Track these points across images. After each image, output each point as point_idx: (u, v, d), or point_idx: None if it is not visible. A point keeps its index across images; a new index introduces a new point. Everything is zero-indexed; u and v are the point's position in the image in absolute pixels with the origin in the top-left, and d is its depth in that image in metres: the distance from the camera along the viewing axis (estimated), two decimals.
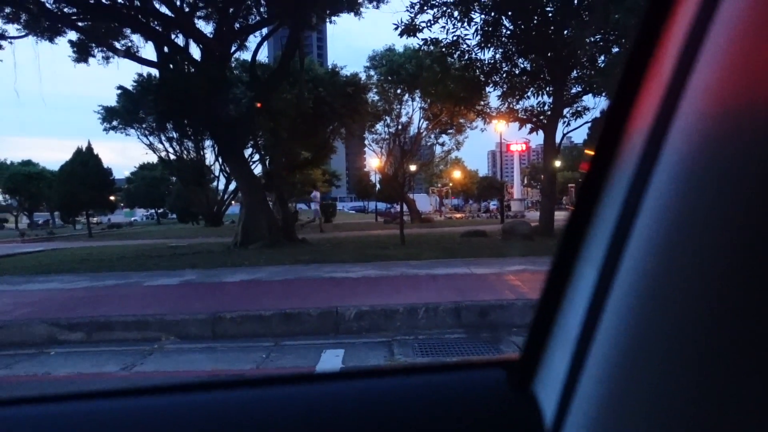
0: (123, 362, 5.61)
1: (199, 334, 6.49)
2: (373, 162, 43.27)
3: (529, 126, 18.58)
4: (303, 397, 0.80)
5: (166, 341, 6.32)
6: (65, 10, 17.05)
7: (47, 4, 16.30)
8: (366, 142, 40.82)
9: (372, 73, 33.12)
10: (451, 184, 68.27)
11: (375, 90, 33.24)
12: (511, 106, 18.84)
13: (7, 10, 16.46)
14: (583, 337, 0.65)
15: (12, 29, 17.24)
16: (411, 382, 0.84)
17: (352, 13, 18.05)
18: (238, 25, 19.04)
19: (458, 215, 55.58)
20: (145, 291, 9.05)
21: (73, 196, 35.71)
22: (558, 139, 18.02)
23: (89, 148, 37.84)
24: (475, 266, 10.20)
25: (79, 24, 17.80)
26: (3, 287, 10.04)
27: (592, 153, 0.70)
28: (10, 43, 17.44)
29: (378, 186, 53.64)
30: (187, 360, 5.67)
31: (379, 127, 37.82)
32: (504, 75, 17.74)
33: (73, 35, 18.58)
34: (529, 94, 17.87)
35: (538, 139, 57.06)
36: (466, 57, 17.18)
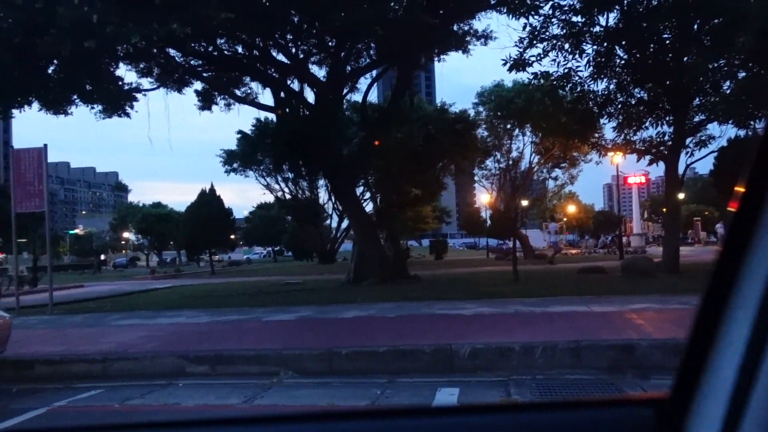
0: (244, 395, 5.79)
1: (316, 369, 6.58)
2: (484, 198, 42.92)
3: (648, 157, 17.75)
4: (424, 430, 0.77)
5: (284, 376, 6.47)
6: (192, 62, 18.37)
7: (176, 59, 17.62)
8: (476, 177, 40.61)
9: (481, 108, 33.08)
10: (565, 219, 66.29)
11: (484, 126, 33.11)
12: (627, 137, 18.10)
13: (142, 65, 17.90)
14: (741, 382, 0.62)
15: (146, 82, 18.75)
16: (551, 417, 0.81)
17: (460, 51, 18.20)
18: (349, 68, 19.71)
19: (573, 251, 53.72)
20: (263, 326, 9.36)
21: (197, 236, 37.81)
22: (681, 171, 17.08)
23: (212, 190, 40.06)
24: (594, 304, 9.76)
25: (204, 75, 19.09)
26: (136, 321, 10.73)
27: (742, 190, 0.65)
28: (144, 95, 18.96)
29: (489, 222, 53.01)
30: (304, 395, 5.76)
31: (489, 162, 37.55)
32: (619, 106, 17.11)
33: (198, 85, 19.92)
34: (647, 124, 17.11)
35: (658, 170, 54.37)
36: (578, 89, 16.77)
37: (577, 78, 16.52)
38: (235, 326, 9.43)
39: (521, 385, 5.70)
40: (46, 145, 13.19)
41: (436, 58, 20.08)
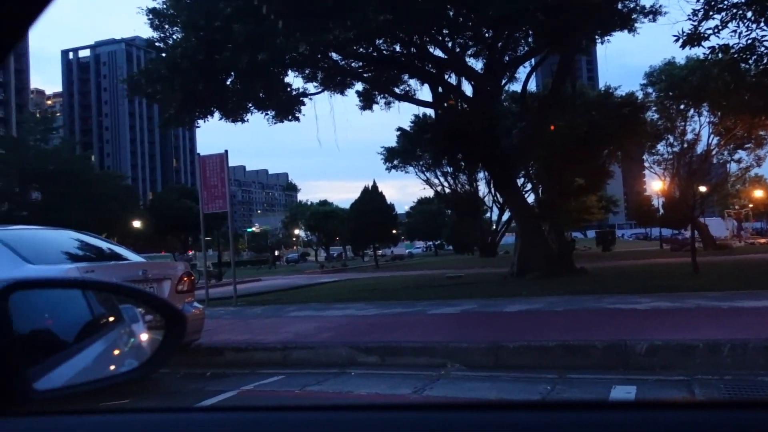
0: (414, 386, 5.93)
1: (482, 363, 6.58)
2: (655, 185, 40.19)
3: None
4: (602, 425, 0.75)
5: (452, 368, 6.53)
6: (353, 64, 19.09)
7: (339, 62, 18.41)
8: (645, 164, 38.18)
9: (650, 90, 31.05)
10: (751, 206, 60.26)
11: (654, 108, 31.03)
12: None
13: (307, 71, 18.90)
14: None
15: (311, 87, 19.78)
16: (743, 417, 0.74)
17: (626, 31, 17.20)
18: (506, 58, 19.39)
19: (762, 240, 48.67)
20: (428, 319, 9.52)
21: (361, 231, 39.35)
22: None
23: (374, 187, 41.43)
24: None
25: (365, 75, 19.76)
26: (310, 313, 11.39)
27: None
28: (310, 99, 20.03)
29: (661, 210, 49.58)
30: (472, 387, 5.78)
31: (660, 147, 35.14)
32: None
33: (359, 86, 20.67)
34: None
35: None
36: (765, 61, 15.13)
37: (763, 49, 14.92)
38: (402, 318, 9.68)
39: (707, 385, 5.28)
40: (226, 151, 14.38)
41: (599, 40, 19.14)
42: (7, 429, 0.86)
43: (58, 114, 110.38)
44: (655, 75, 31.01)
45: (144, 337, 1.58)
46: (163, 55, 15.65)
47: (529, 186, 30.03)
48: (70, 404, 1.04)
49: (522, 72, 20.56)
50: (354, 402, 5.43)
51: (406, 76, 20.83)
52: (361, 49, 17.88)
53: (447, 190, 41.05)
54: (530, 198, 26.54)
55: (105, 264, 6.75)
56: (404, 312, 10.43)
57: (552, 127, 17.83)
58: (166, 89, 14.33)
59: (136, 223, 52.88)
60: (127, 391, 1.10)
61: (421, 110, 27.76)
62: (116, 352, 1.57)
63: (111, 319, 1.55)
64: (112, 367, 1.56)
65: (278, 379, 6.70)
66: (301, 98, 18.27)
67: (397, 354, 7.03)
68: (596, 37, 18.49)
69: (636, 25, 17.03)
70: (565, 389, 5.48)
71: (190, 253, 61.99)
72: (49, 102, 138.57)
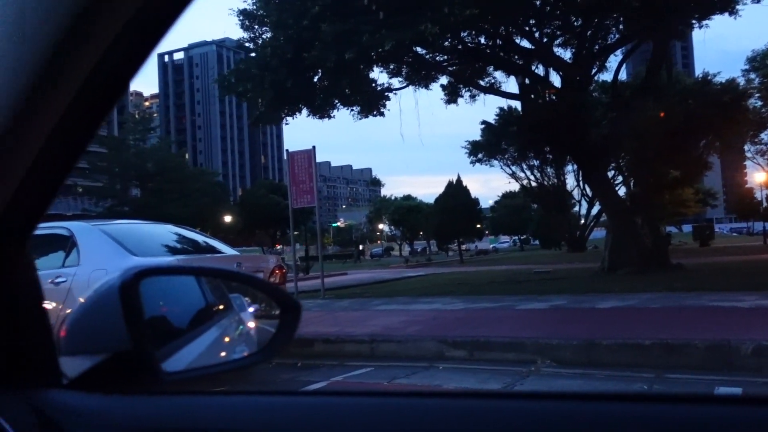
0: (503, 381, 5.87)
1: (574, 360, 6.42)
2: (758, 177, 37.86)
3: None
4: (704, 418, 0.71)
5: (542, 364, 6.41)
6: (437, 58, 19.01)
7: (424, 56, 18.37)
8: (747, 154, 36.02)
9: (752, 75, 29.22)
10: None
11: (758, 95, 29.19)
12: None
13: (392, 66, 18.96)
14: None
15: (396, 82, 19.85)
16: None
17: (726, 14, 16.23)
18: (596, 47, 18.76)
19: None
20: (517, 314, 9.38)
21: (446, 226, 39.19)
22: None
23: (458, 181, 41.17)
24: None
25: (449, 69, 19.63)
26: (396, 306, 11.47)
27: None
28: (395, 94, 20.11)
29: (765, 203, 46.68)
30: (563, 385, 5.66)
31: (763, 136, 33.06)
32: None
33: (444, 80, 20.55)
34: None
35: None
36: None
37: None
38: (489, 313, 9.58)
39: None
40: (314, 147, 14.67)
41: (696, 25, 18.18)
42: (142, 406, 0.92)
43: (155, 114, 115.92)
44: (759, 60, 29.19)
45: (251, 325, 1.63)
46: (253, 54, 16.14)
47: (619, 179, 28.97)
48: (187, 387, 1.10)
49: (613, 61, 19.86)
50: (457, 390, 5.44)
51: (491, 68, 20.53)
52: (446, 43, 17.77)
53: (533, 184, 40.22)
54: (621, 191, 25.59)
55: (201, 257, 7.03)
56: (492, 307, 10.33)
57: (648, 117, 17.11)
58: (256, 88, 14.78)
59: (227, 218, 54.91)
60: (224, 379, 1.16)
61: (506, 103, 27.42)
62: (227, 339, 1.64)
63: (221, 307, 1.62)
64: (223, 354, 1.63)
65: (367, 371, 6.80)
66: (386, 93, 18.38)
67: (486, 349, 6.97)
68: (693, 21, 17.57)
69: (738, 7, 16.05)
70: (663, 389, 5.27)
71: (278, 247, 63.77)
72: (147, 103, 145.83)
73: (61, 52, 0.65)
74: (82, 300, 1.05)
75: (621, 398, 0.79)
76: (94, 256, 5.97)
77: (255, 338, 1.63)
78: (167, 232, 7.54)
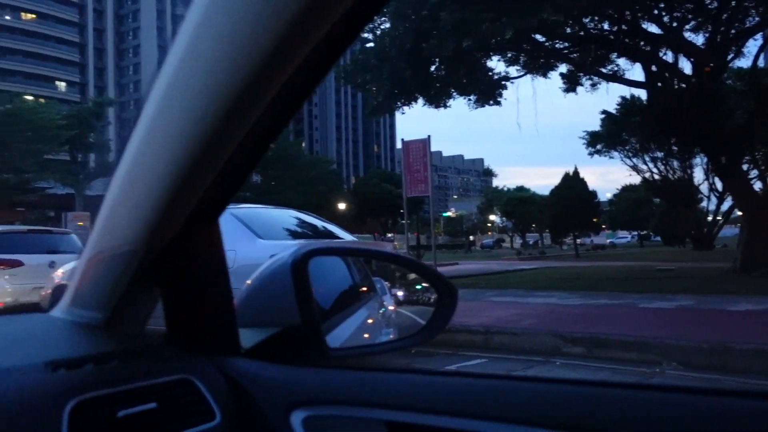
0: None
1: (702, 364, 6.08)
2: None
3: None
4: None
5: (667, 366, 6.13)
6: (557, 46, 18.45)
7: (543, 44, 17.89)
8: None
9: None
10: None
11: None
12: None
13: (509, 54, 18.62)
14: None
15: (513, 71, 19.48)
16: None
17: None
18: (733, 31, 17.46)
19: None
20: (639, 312, 9.00)
21: (561, 219, 38.14)
22: None
23: (575, 173, 39.90)
24: None
25: (570, 56, 19.00)
26: (509, 299, 11.33)
27: None
28: (512, 83, 19.73)
29: None
30: None
31: None
32: None
33: (563, 68, 19.93)
34: None
35: None
36: None
37: None
38: (609, 311, 9.25)
39: None
40: (429, 137, 14.73)
41: None
42: (314, 378, 0.99)
43: None
44: None
45: (391, 308, 1.68)
46: (372, 45, 16.40)
47: (755, 172, 26.89)
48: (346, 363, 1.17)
49: (752, 45, 18.42)
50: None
51: (614, 55, 19.67)
52: (567, 30, 17.21)
53: (656, 177, 38.16)
54: (756, 185, 23.76)
55: (321, 241, 7.26)
56: (611, 304, 9.96)
57: None
58: (374, 78, 15.03)
59: (341, 206, 56.31)
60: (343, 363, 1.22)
61: (629, 91, 26.16)
62: (370, 320, 1.70)
63: (365, 289, 1.67)
64: (366, 336, 1.70)
65: (481, 362, 6.78)
66: (503, 82, 18.10)
67: (606, 347, 6.75)
68: None
69: None
70: None
71: (389, 235, 64.60)
72: None
73: (273, 55, 0.71)
74: None
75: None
76: (225, 237, 6.33)
77: (396, 321, 1.68)
78: (288, 216, 7.83)
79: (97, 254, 1.06)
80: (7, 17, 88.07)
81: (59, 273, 8.82)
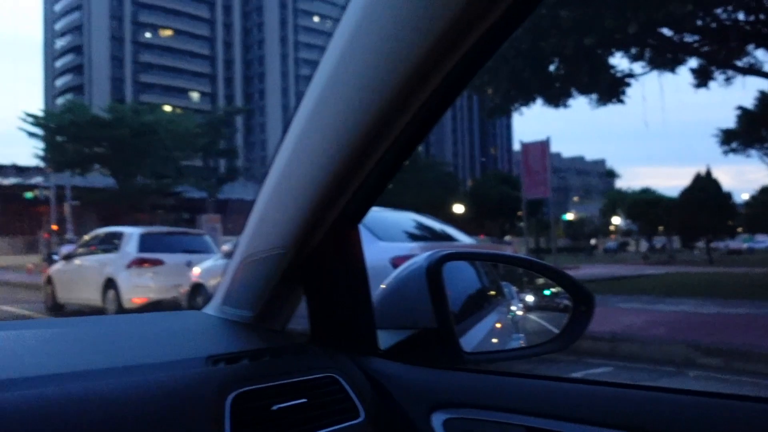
0: None
1: None
2: None
3: None
4: None
5: None
6: (686, 39, 17.39)
7: (671, 38, 16.93)
8: None
9: None
10: None
11: None
12: None
13: (633, 50, 17.77)
14: None
15: (637, 67, 18.56)
16: None
17: None
18: None
19: None
20: None
21: (692, 222, 35.91)
22: None
23: (708, 174, 37.50)
24: None
25: (701, 50, 17.87)
26: (637, 305, 10.81)
27: None
28: (636, 80, 18.80)
29: None
30: None
31: None
32: None
33: (693, 63, 18.77)
34: None
35: None
36: None
37: None
38: (750, 320, 8.60)
39: None
40: (548, 138, 14.39)
41: None
42: (452, 381, 1.01)
43: None
44: None
45: (520, 313, 1.67)
46: None
47: None
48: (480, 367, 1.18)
49: None
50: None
51: (751, 47, 18.25)
52: (698, 21, 16.19)
53: None
54: None
55: (438, 244, 7.26)
56: (753, 313, 9.25)
57: None
58: (491, 79, 14.86)
59: (457, 208, 56.02)
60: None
61: None
62: (499, 325, 1.70)
63: (493, 293, 1.67)
64: (495, 341, 1.70)
65: (607, 370, 6.53)
66: (626, 79, 17.32)
67: (746, 359, 6.29)
68: None
69: None
70: None
71: (506, 238, 63.52)
72: None
73: (427, 59, 0.73)
74: None
75: None
76: None
77: (524, 328, 1.67)
78: (407, 219, 7.89)
79: (249, 256, 1.14)
80: (147, 34, 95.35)
81: (196, 272, 9.44)
